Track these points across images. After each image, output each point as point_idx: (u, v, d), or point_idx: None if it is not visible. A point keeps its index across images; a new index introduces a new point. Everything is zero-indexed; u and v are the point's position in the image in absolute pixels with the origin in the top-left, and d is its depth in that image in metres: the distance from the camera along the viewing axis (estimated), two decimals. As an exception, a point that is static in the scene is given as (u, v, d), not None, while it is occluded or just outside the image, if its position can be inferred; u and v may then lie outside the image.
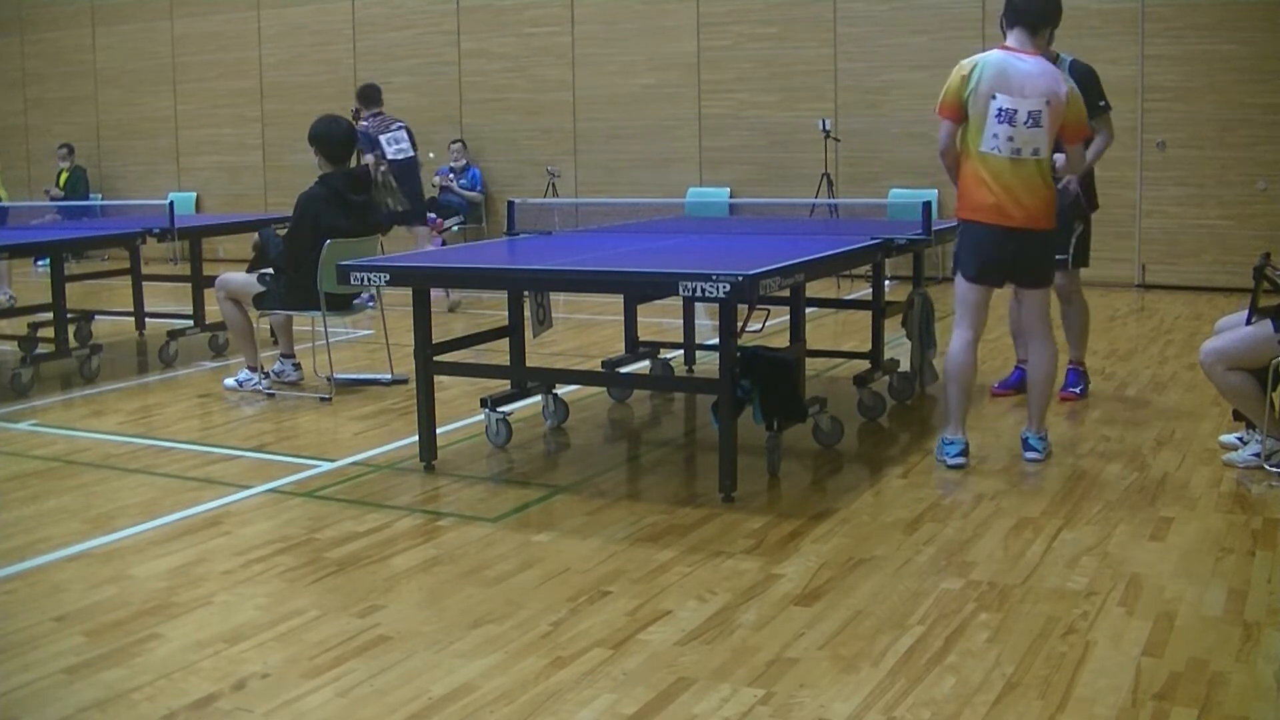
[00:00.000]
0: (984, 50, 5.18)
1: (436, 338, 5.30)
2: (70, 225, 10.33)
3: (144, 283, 8.95)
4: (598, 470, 5.25)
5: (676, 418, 6.39)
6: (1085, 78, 5.83)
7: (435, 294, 6.38)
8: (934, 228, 5.86)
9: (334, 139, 6.83)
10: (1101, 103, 5.94)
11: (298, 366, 7.13)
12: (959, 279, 5.15)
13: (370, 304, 7.37)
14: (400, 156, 9.82)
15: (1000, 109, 4.88)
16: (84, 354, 7.40)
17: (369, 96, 10.14)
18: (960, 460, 5.08)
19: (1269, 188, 10.32)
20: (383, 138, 9.78)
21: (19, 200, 11.55)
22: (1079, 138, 5.19)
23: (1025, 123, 4.89)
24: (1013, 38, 5.04)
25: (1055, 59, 5.66)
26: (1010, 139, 4.89)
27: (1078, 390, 6.34)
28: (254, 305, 6.86)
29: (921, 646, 3.36)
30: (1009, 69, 4.92)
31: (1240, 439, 5.21)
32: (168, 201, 8.30)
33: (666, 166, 12.74)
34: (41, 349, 7.32)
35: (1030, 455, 5.18)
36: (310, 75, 14.47)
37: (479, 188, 13.23)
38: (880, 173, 11.73)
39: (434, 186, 13.09)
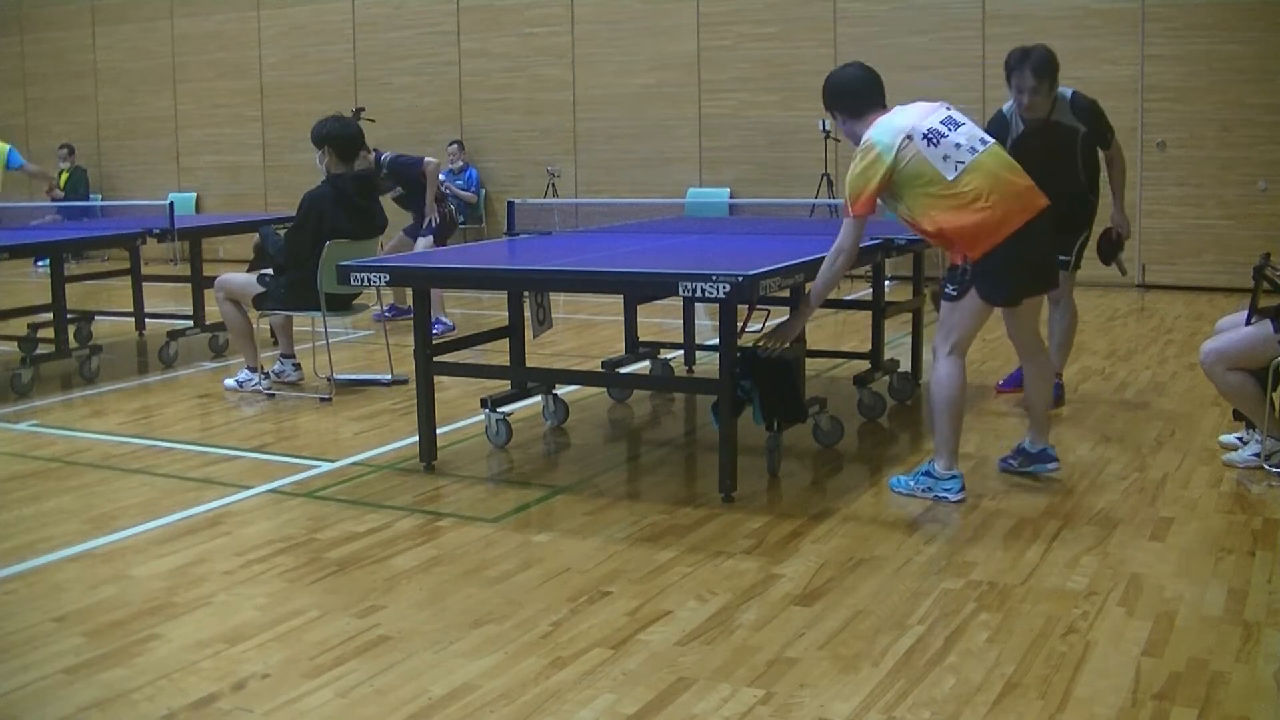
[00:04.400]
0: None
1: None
2: (70, 225, 10.33)
3: (144, 283, 8.95)
4: (598, 470, 5.25)
5: (676, 418, 6.39)
6: (1093, 113, 5.94)
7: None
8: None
9: (347, 137, 6.83)
10: (1109, 134, 6.04)
11: (298, 367, 7.13)
12: (972, 298, 4.64)
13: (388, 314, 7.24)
14: None
15: (925, 136, 4.58)
16: (84, 354, 7.40)
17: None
18: (964, 495, 4.73)
19: (1269, 188, 10.32)
20: None
21: (19, 201, 11.54)
22: None
23: (951, 127, 4.63)
24: (872, 115, 4.75)
25: (1054, 101, 5.79)
26: (958, 145, 4.58)
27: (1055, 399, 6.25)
28: (254, 306, 6.86)
29: (921, 646, 3.36)
30: (893, 117, 4.68)
31: (1240, 439, 5.22)
32: (168, 202, 8.30)
33: (666, 166, 12.74)
34: (41, 349, 7.32)
35: (1053, 466, 4.95)
36: (310, 75, 14.47)
37: (474, 188, 13.22)
38: (880, 173, 11.70)
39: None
